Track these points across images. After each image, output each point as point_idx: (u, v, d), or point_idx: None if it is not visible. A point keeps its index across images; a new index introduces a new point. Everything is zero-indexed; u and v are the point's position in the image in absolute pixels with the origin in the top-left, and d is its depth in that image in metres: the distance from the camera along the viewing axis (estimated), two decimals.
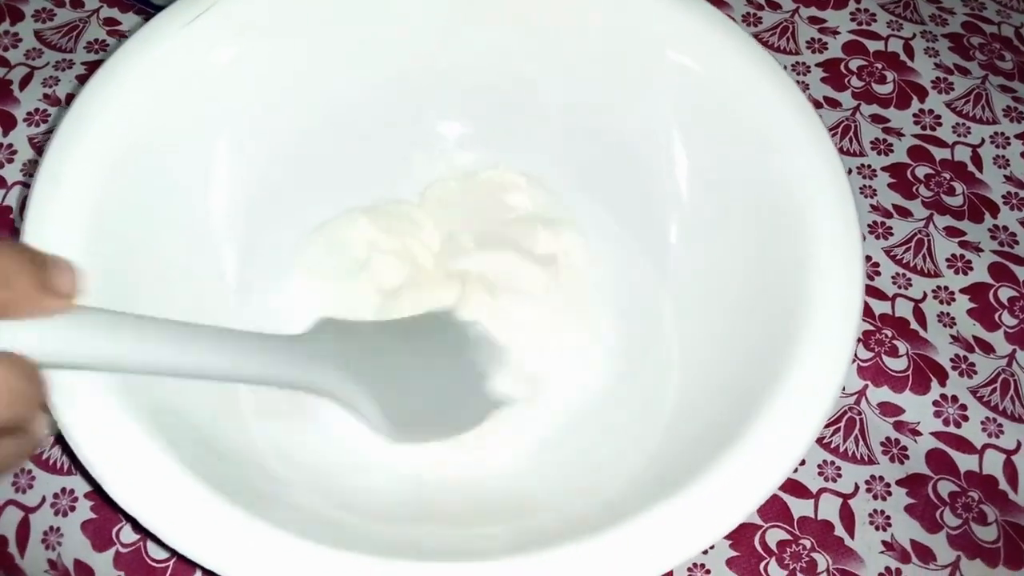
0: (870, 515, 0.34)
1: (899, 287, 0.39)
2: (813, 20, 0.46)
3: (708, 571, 0.32)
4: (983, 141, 0.43)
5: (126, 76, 0.31)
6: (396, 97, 0.37)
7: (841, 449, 0.35)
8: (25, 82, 0.42)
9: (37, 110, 0.41)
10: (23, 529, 0.32)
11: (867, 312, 0.38)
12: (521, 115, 0.38)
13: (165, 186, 0.32)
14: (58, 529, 0.32)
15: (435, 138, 0.39)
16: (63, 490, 0.32)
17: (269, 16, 0.33)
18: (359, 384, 0.29)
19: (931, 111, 0.44)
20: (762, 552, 0.33)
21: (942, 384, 0.36)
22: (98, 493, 0.32)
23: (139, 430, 0.25)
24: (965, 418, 0.36)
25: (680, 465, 0.28)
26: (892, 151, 0.43)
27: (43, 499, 0.33)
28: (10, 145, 0.40)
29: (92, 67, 0.31)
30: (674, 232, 0.36)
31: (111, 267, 0.28)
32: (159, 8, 0.33)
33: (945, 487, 0.34)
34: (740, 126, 0.33)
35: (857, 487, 0.34)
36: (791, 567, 0.32)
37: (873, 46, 0.46)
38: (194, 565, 0.24)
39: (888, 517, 0.34)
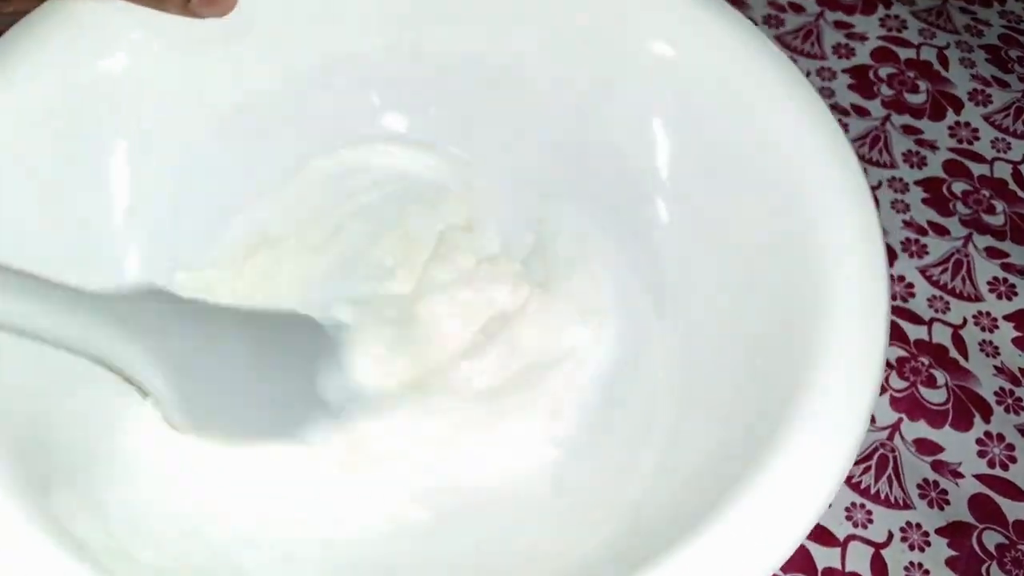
0: (906, 568, 0.29)
1: (936, 311, 0.35)
2: (839, 24, 0.43)
3: None
4: None
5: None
6: (335, 82, 0.32)
7: (872, 491, 0.30)
8: None
9: None
10: None
11: (901, 337, 0.34)
12: (494, 109, 0.32)
13: (57, 177, 0.27)
14: None
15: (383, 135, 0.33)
16: None
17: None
18: (155, 365, 0.25)
19: (968, 124, 0.40)
20: None
21: (986, 420, 0.32)
22: None
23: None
24: (1013, 459, 0.31)
25: (676, 513, 0.23)
26: (926, 164, 0.39)
27: None
28: None
29: None
30: (666, 237, 0.31)
31: None
32: None
33: (991, 538, 0.30)
34: (744, 133, 0.28)
35: (891, 535, 0.30)
36: None
37: (904, 54, 0.42)
38: None
39: (927, 571, 0.29)
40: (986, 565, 0.29)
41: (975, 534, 0.30)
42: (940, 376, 0.33)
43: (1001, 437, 0.32)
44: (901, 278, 0.35)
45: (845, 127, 0.40)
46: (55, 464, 0.23)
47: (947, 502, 0.31)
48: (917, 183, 0.38)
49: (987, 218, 0.38)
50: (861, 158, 0.39)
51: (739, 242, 0.28)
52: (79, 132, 0.27)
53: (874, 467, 0.31)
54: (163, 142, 0.29)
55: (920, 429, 0.32)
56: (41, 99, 0.26)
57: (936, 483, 0.31)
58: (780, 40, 0.42)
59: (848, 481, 0.30)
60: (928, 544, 0.30)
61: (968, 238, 0.37)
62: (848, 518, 0.30)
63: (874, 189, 0.38)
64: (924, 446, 0.32)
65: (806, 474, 0.22)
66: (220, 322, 0.28)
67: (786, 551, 0.21)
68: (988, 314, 0.35)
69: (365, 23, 0.31)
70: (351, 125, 0.33)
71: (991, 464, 0.31)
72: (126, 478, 0.25)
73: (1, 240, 0.25)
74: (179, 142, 0.30)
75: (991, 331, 0.34)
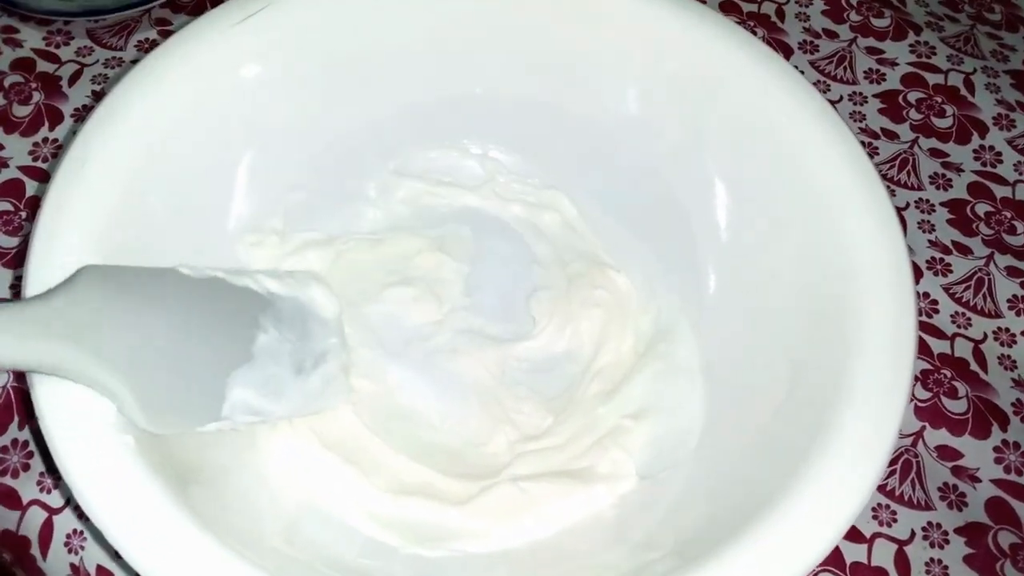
0: (927, 564, 0.32)
1: (958, 326, 0.37)
2: (871, 51, 0.46)
3: None
4: None
5: (162, 76, 0.31)
6: (427, 121, 0.37)
7: (897, 492, 0.33)
8: (74, 79, 0.42)
9: (85, 107, 0.41)
10: (46, 531, 0.31)
11: (925, 350, 0.36)
12: (568, 147, 0.37)
13: (193, 178, 0.32)
14: (81, 533, 0.31)
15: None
16: None
17: (309, 29, 0.33)
18: (101, 361, 0.24)
19: (992, 147, 0.43)
20: None
21: (1003, 429, 0.35)
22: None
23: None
24: None
25: (716, 529, 0.26)
26: (951, 186, 0.41)
27: (67, 500, 0.32)
28: (55, 140, 0.40)
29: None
30: (713, 282, 0.34)
31: (120, 254, 0.28)
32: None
33: (1006, 538, 0.33)
34: (791, 181, 0.31)
35: (913, 533, 0.32)
36: None
37: (932, 79, 0.45)
38: None
39: (946, 567, 0.32)
40: (1000, 563, 0.32)
41: (991, 534, 0.33)
42: (961, 388, 0.36)
43: (1017, 445, 0.35)
44: (926, 295, 0.38)
45: (875, 150, 0.42)
46: (191, 470, 0.27)
47: (965, 504, 0.33)
48: (943, 204, 0.41)
49: (1008, 239, 0.40)
50: (890, 180, 0.41)
51: (777, 268, 0.31)
52: (216, 138, 0.32)
53: (899, 471, 0.34)
54: (279, 156, 0.34)
55: (942, 436, 0.35)
56: (188, 103, 0.31)
57: (955, 486, 0.34)
58: (814, 65, 0.45)
59: None
60: (947, 542, 0.32)
61: (990, 257, 0.39)
62: (874, 517, 0.33)
63: (901, 210, 0.40)
64: (945, 452, 0.34)
65: (844, 482, 0.25)
66: (172, 297, 0.28)
67: (826, 549, 0.24)
68: (1007, 330, 0.37)
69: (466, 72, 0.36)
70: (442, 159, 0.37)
71: (1007, 470, 0.34)
72: (241, 479, 0.29)
73: (132, 233, 0.29)
74: (292, 156, 0.34)
75: (1010, 346, 0.37)
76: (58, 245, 0.27)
